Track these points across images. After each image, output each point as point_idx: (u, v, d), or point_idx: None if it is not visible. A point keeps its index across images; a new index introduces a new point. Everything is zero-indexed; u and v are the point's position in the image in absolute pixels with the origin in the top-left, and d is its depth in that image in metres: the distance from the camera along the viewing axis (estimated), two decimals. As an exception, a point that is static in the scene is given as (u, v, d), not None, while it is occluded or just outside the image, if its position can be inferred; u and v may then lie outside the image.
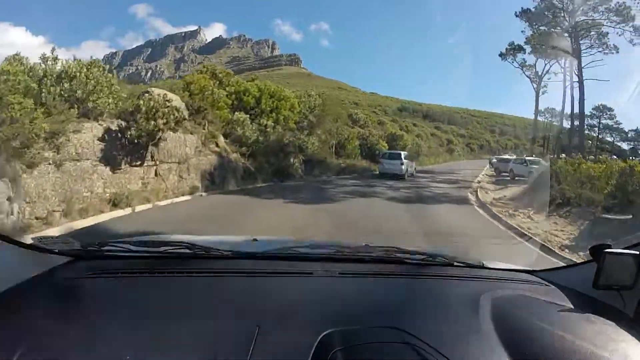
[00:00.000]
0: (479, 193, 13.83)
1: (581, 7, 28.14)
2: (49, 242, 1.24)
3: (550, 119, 63.99)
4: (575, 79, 28.95)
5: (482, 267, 1.50)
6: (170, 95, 11.74)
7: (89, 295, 1.08)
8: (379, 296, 1.18)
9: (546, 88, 39.36)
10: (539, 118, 65.85)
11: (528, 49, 37.24)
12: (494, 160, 37.80)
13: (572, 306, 1.15)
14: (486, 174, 25.01)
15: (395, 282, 1.30)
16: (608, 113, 56.80)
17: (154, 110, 9.24)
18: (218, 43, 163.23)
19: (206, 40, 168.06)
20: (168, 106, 9.40)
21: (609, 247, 1.11)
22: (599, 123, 55.91)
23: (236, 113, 15.13)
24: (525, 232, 7.68)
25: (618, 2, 26.60)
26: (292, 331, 0.90)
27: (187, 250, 1.30)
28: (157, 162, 10.50)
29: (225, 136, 14.69)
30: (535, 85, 39.29)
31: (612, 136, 50.80)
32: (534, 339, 0.92)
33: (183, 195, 10.47)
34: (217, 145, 13.49)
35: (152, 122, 9.10)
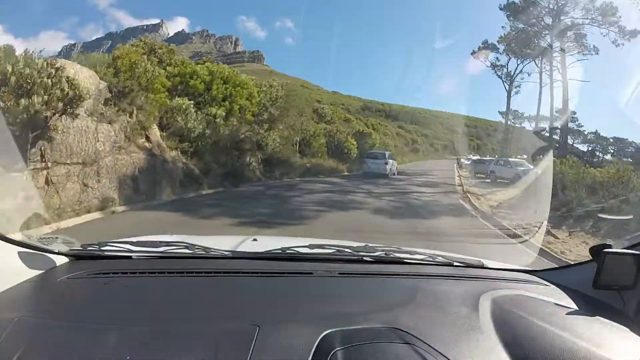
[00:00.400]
0: (471, 199, 11.95)
1: (565, 6, 27.38)
2: (49, 242, 1.23)
3: (513, 120, 65.33)
4: (557, 77, 28.32)
5: (482, 267, 1.50)
6: (76, 69, 8.40)
7: (89, 295, 1.08)
8: (379, 296, 1.16)
9: (519, 88, 39.05)
10: (503, 120, 67.04)
11: (502, 47, 36.56)
12: (465, 161, 36.32)
13: (572, 306, 1.13)
14: (461, 176, 23.39)
15: (395, 282, 1.29)
16: (571, 116, 58.31)
17: (29, 81, 5.94)
18: (181, 37, 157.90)
19: (168, 34, 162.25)
20: (53, 76, 6.12)
21: (609, 247, 1.12)
22: (562, 125, 57.35)
23: (177, 98, 11.87)
24: (567, 260, 5.59)
25: (604, 2, 25.92)
26: (292, 331, 0.88)
27: (187, 250, 1.32)
28: (49, 164, 7.20)
29: (162, 128, 11.46)
30: (507, 86, 38.88)
31: (572, 138, 53.02)
32: (534, 339, 0.91)
33: (89, 212, 7.21)
34: (147, 139, 10.25)
35: (24, 101, 5.81)
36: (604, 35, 26.14)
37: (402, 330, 0.90)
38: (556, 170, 11.38)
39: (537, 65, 34.56)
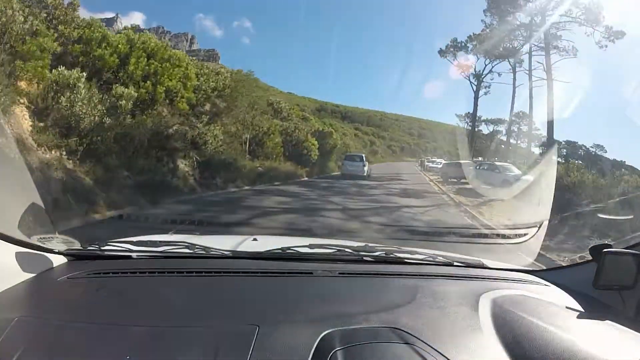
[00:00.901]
0: (474, 214, 9.61)
1: (548, 5, 25.99)
2: (49, 242, 1.24)
3: (469, 123, 65.31)
4: (538, 77, 27.00)
5: (482, 267, 1.52)
6: None
7: (90, 295, 1.08)
8: (379, 296, 1.16)
9: (489, 89, 38.08)
10: (460, 123, 67.05)
11: (470, 46, 35.22)
12: (431, 164, 34.58)
13: (572, 306, 1.15)
14: (434, 180, 21.23)
15: (395, 282, 1.28)
16: (527, 119, 58.66)
17: None
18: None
19: (123, 29, 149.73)
20: None
21: (609, 247, 1.14)
22: (518, 129, 57.56)
23: (60, 68, 7.79)
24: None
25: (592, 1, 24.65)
26: (292, 331, 0.89)
27: (187, 250, 1.33)
28: None
29: (38, 114, 7.43)
30: (474, 87, 37.70)
31: (525, 141, 53.47)
32: (534, 338, 0.91)
33: None
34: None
35: None
36: (587, 35, 25.13)
37: (402, 330, 0.90)
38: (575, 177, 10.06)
39: (510, 64, 33.64)
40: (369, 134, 61.84)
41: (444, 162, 27.06)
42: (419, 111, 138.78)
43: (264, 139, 17.25)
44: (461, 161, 24.84)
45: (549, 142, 22.71)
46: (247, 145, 16.07)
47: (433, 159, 40.71)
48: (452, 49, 37.40)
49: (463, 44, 36.06)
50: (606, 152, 28.58)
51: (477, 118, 68.63)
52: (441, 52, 37.43)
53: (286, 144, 20.26)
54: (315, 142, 21.55)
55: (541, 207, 7.79)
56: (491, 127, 61.37)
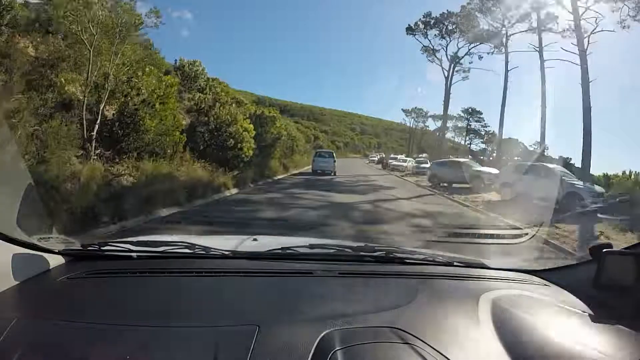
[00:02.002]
0: None
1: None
2: (49, 242, 1.24)
3: (416, 119, 61.99)
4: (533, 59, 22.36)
5: (482, 267, 1.49)
6: None
7: (89, 295, 1.07)
8: (379, 296, 1.15)
9: (468, 74, 32.41)
10: (406, 119, 63.52)
11: (436, 31, 29.66)
12: (393, 162, 31.34)
13: (572, 306, 1.13)
14: (422, 185, 17.31)
15: (395, 282, 1.28)
16: (476, 116, 56.79)
17: None
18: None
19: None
20: None
21: (609, 247, 1.13)
22: (468, 125, 55.02)
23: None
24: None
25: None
26: (292, 331, 0.88)
27: (187, 250, 1.31)
28: None
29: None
30: (446, 73, 32.02)
31: (468, 138, 52.93)
32: (534, 339, 0.91)
33: None
34: None
35: None
36: (614, 10, 20.08)
37: (402, 330, 0.89)
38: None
39: (490, 47, 28.39)
40: (311, 128, 55.54)
41: (436, 161, 20.70)
42: (360, 107, 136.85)
43: (141, 117, 8.64)
44: (461, 160, 18.33)
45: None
46: (92, 131, 7.42)
47: (395, 156, 34.96)
48: (423, 26, 31.25)
49: (439, 20, 29.99)
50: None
51: (423, 113, 64.20)
52: (409, 30, 31.12)
53: (197, 131, 11.85)
54: (251, 129, 13.33)
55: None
56: (438, 123, 58.08)
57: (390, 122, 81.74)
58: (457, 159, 19.57)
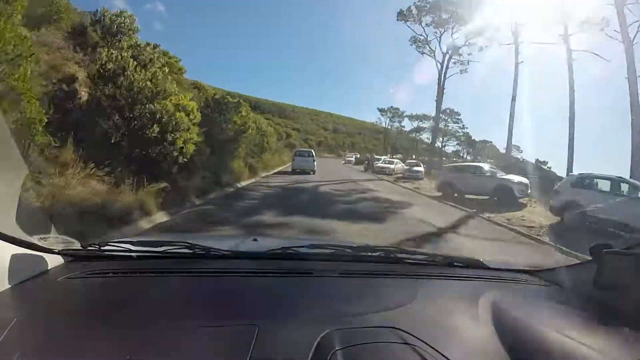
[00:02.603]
0: None
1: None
2: (48, 242, 1.21)
3: (392, 119, 58.72)
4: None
5: (482, 267, 1.48)
6: None
7: (89, 295, 1.06)
8: (379, 296, 1.14)
9: (467, 66, 28.70)
10: (381, 118, 60.08)
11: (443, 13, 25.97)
12: (379, 163, 28.29)
13: (572, 306, 1.14)
14: (414, 190, 15.93)
15: (395, 282, 1.27)
16: (454, 117, 55.46)
17: None
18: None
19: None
20: None
21: (609, 247, 1.11)
22: (446, 126, 56.37)
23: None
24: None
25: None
26: (291, 331, 0.87)
27: (187, 250, 1.29)
28: None
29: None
30: (439, 65, 28.22)
31: (444, 140, 52.55)
32: (534, 339, 0.91)
33: None
34: None
35: None
36: None
37: (402, 330, 0.89)
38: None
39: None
40: (282, 125, 51.17)
41: (449, 165, 17.10)
42: (332, 106, 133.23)
43: None
44: (481, 165, 14.79)
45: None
46: None
47: (379, 157, 30.92)
48: (415, 12, 27.34)
49: (435, 6, 26.06)
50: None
51: (399, 113, 60.55)
52: (400, 15, 27.04)
53: (100, 113, 6.80)
54: (194, 109, 8.27)
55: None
56: (415, 123, 55.49)
57: (363, 122, 79.00)
58: (477, 164, 15.83)
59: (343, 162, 43.69)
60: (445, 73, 27.86)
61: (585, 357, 0.83)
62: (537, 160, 26.88)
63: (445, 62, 27.46)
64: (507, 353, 0.85)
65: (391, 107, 60.48)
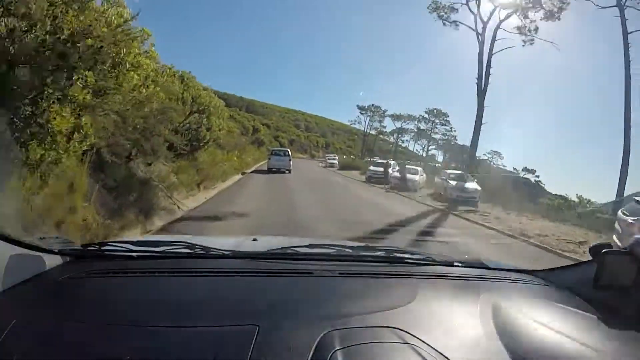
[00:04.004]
0: None
1: None
2: (49, 242, 1.22)
3: (372, 117, 54.53)
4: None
5: (482, 267, 1.49)
6: None
7: (89, 295, 1.07)
8: (379, 296, 1.15)
9: (532, 41, 23.09)
10: (361, 116, 55.67)
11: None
12: (377, 169, 23.03)
13: (572, 306, 1.14)
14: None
15: (395, 282, 1.27)
16: (442, 118, 52.66)
17: None
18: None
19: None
20: None
21: (609, 247, 1.12)
22: (433, 127, 54.41)
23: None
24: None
25: None
26: (291, 331, 0.88)
27: (187, 250, 1.30)
28: None
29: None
30: (480, 38, 23.24)
31: (425, 143, 54.05)
32: (534, 339, 0.92)
33: None
34: None
35: None
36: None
37: (402, 330, 0.89)
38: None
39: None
40: (250, 119, 46.06)
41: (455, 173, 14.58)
42: (304, 105, 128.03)
43: None
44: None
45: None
46: None
47: (378, 162, 25.89)
48: None
49: None
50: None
51: (381, 112, 55.68)
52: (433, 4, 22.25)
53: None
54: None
55: None
56: (398, 123, 51.23)
57: (334, 121, 75.11)
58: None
59: (322, 165, 36.17)
60: (492, 46, 20.81)
61: (585, 357, 0.84)
62: (525, 168, 27.18)
63: (494, 33, 21.23)
64: (507, 353, 0.85)
65: (372, 105, 55.91)
